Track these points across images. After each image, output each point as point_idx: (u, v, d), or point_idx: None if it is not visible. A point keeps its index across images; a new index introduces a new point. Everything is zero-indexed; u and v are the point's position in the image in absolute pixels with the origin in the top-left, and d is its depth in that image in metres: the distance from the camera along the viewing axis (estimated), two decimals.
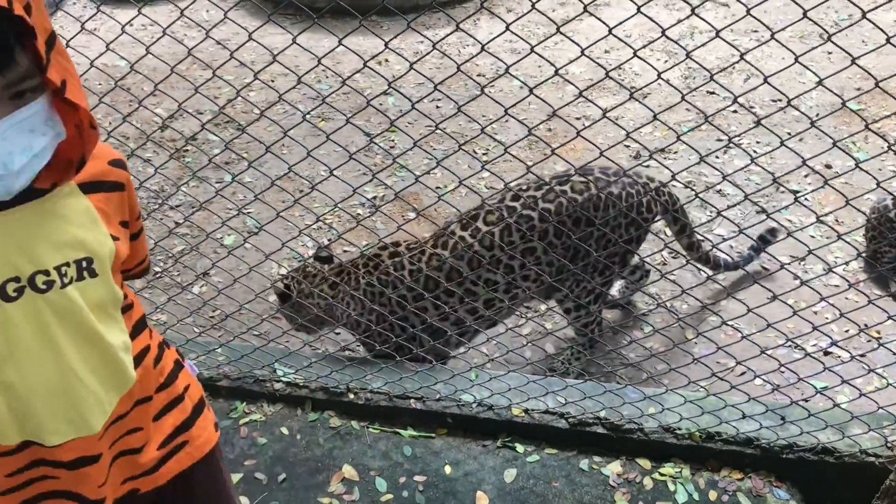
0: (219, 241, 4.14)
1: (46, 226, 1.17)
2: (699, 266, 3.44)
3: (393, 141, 5.07)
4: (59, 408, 1.22)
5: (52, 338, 1.18)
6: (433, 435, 2.76)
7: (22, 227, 1.14)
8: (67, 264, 1.18)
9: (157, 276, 3.83)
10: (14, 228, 1.14)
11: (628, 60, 2.10)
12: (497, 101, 2.33)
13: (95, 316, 1.22)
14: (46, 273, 1.16)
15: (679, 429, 2.60)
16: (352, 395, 2.83)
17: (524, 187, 2.93)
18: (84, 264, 1.20)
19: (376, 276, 2.94)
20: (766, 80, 1.85)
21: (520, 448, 2.68)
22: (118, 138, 5.03)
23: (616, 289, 3.51)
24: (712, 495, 2.49)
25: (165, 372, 1.47)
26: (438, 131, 4.83)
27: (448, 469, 2.63)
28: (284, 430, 2.79)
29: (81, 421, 1.25)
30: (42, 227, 1.16)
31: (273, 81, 5.51)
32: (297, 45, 2.16)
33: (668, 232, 3.41)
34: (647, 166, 4.37)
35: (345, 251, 4.07)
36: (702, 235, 3.52)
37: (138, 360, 1.36)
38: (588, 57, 1.95)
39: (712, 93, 5.39)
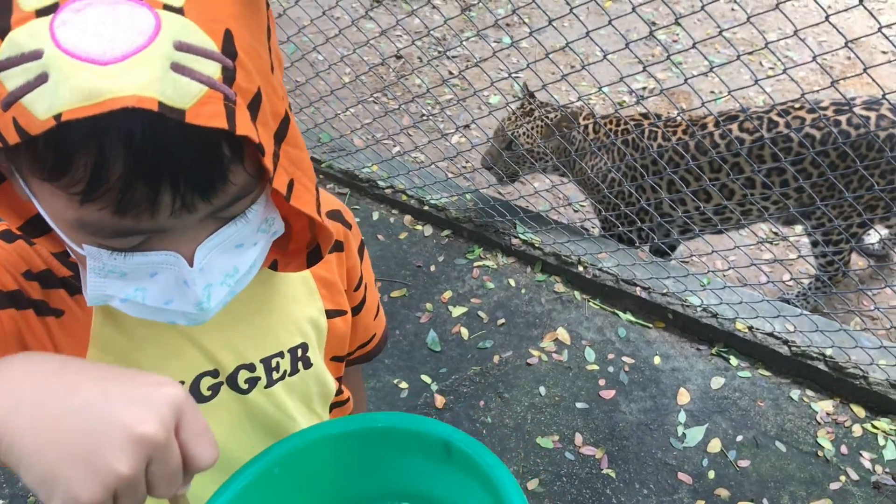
0: (485, 98, 4.30)
1: (257, 304, 0.88)
2: None
3: (677, 35, 4.91)
4: None
5: (242, 444, 0.89)
6: (650, 325, 2.83)
7: (228, 308, 0.78)
8: (280, 355, 0.90)
9: (424, 118, 4.09)
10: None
11: None
12: (787, 18, 2.20)
13: (297, 413, 0.95)
14: (251, 368, 0.88)
15: None
16: (581, 268, 2.94)
17: (797, 105, 2.68)
18: (299, 353, 0.92)
19: (632, 138, 2.88)
20: None
21: (734, 361, 2.69)
22: None
23: (875, 238, 3.30)
24: None
25: None
26: (728, 34, 4.63)
27: (657, 360, 2.71)
28: (512, 282, 2.98)
29: None
30: (252, 308, 0.87)
31: None
32: None
33: None
34: None
35: None
36: None
37: None
38: None
39: None
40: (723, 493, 2.33)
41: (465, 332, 2.80)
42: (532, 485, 2.36)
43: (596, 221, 3.42)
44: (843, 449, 2.43)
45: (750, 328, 2.70)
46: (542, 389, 2.62)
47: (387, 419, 0.83)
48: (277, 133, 0.66)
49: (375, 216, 3.32)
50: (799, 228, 3.08)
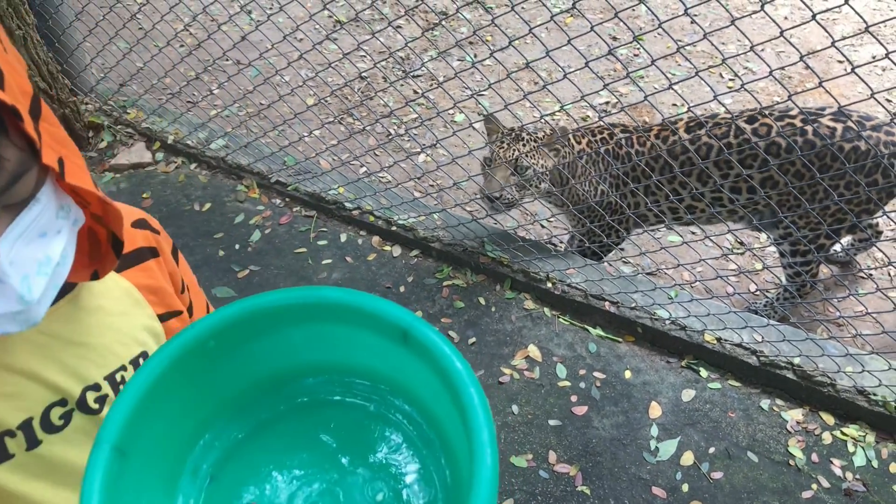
0: (450, 117, 4.31)
1: (87, 325, 0.88)
2: None
3: (639, 50, 4.98)
4: None
5: None
6: (620, 340, 2.84)
7: (58, 335, 0.85)
8: (123, 368, 0.90)
9: (389, 138, 4.09)
10: (48, 339, 0.84)
11: None
12: (744, 34, 2.24)
13: None
14: (97, 388, 0.87)
15: (874, 394, 2.52)
16: (549, 284, 2.95)
17: (766, 112, 2.73)
18: (141, 361, 0.92)
19: (611, 147, 2.90)
20: None
21: (703, 373, 2.71)
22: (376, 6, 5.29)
23: (839, 247, 3.35)
24: (893, 468, 2.42)
25: None
26: (689, 47, 4.69)
27: (628, 374, 2.72)
28: (482, 300, 2.98)
29: None
30: (83, 329, 0.87)
31: None
32: None
33: None
34: None
35: None
36: None
37: None
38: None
39: None
40: None
41: None
42: None
43: (563, 238, 3.44)
44: (814, 457, 2.45)
45: (718, 339, 2.72)
46: (515, 408, 2.61)
47: (343, 296, 0.80)
48: (32, 110, 0.68)
49: (343, 238, 3.31)
50: (764, 238, 3.12)
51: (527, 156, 2.79)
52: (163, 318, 0.98)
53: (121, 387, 0.88)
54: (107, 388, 0.88)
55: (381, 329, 0.80)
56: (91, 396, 0.86)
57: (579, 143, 2.91)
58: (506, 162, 2.79)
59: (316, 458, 0.85)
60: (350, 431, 0.87)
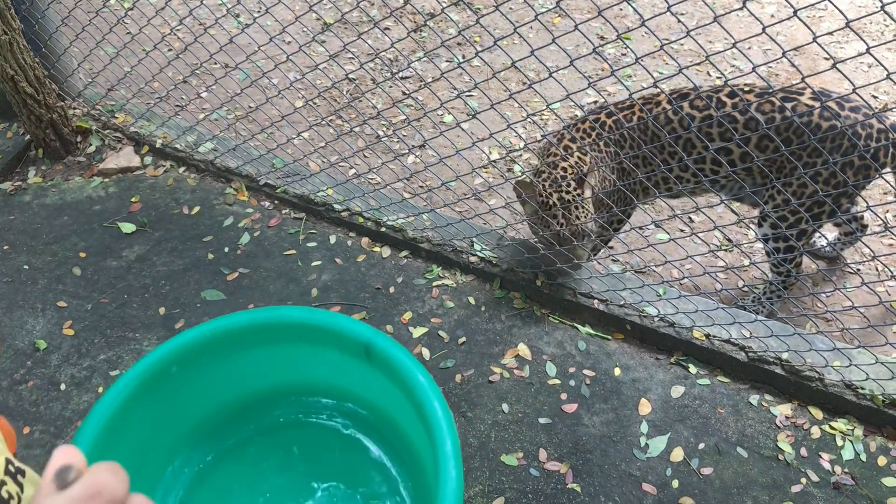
0: (439, 118, 4.32)
1: None
2: None
3: (627, 48, 4.99)
4: None
5: None
6: (609, 337, 2.85)
7: None
8: (3, 482, 0.80)
9: (378, 139, 4.09)
10: None
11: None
12: (727, 32, 2.25)
13: None
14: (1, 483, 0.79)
15: (862, 388, 2.54)
16: (538, 283, 2.96)
17: (746, 88, 2.78)
18: (12, 468, 0.83)
19: (615, 138, 2.91)
20: None
21: (693, 369, 2.72)
22: (362, 7, 5.29)
23: (825, 241, 3.37)
24: (881, 461, 2.44)
25: None
26: (676, 45, 4.71)
27: (617, 371, 2.73)
28: (471, 300, 2.98)
29: None
30: None
31: None
32: None
33: None
34: None
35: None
36: None
37: None
38: None
39: None
40: (687, 502, 2.34)
41: (426, 352, 2.80)
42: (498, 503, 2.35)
43: None
44: (803, 451, 2.46)
45: (707, 336, 2.73)
46: (505, 406, 2.62)
47: (304, 314, 0.80)
48: None
49: (332, 240, 3.31)
50: (752, 235, 3.13)
51: (581, 209, 2.76)
52: None
53: (19, 477, 0.79)
54: (9, 483, 0.79)
55: (343, 346, 0.80)
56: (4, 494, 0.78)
57: (585, 153, 2.90)
58: (577, 228, 2.75)
59: (286, 482, 0.85)
60: (318, 451, 0.87)
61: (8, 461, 0.80)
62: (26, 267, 3.25)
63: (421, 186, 3.86)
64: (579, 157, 2.87)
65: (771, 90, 2.73)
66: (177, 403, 0.80)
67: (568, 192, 2.75)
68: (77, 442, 0.70)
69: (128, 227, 3.40)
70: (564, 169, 2.82)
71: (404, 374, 0.77)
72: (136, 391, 0.74)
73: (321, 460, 0.86)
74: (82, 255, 3.28)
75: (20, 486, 0.79)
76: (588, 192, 2.77)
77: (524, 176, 2.95)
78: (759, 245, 3.37)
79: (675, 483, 2.39)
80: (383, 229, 3.26)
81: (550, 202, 2.76)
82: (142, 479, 0.78)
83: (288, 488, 0.84)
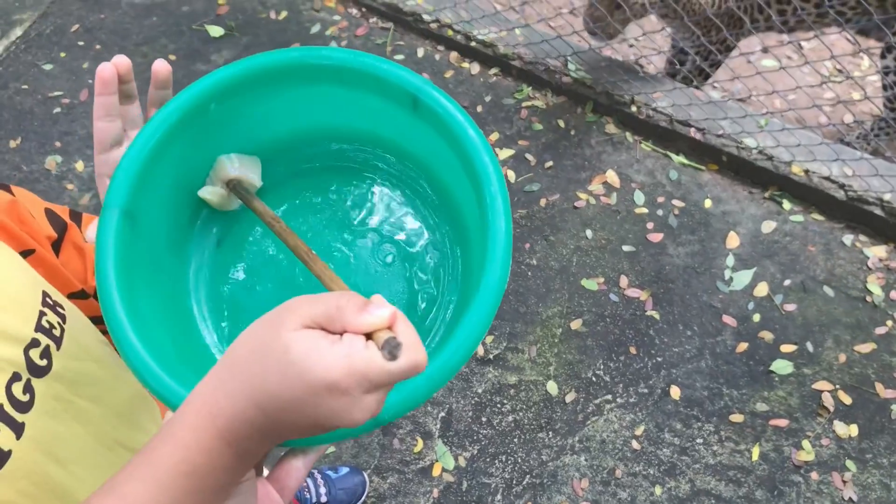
0: None
1: None
2: None
3: None
4: None
5: (89, 418, 0.77)
6: (703, 168, 2.77)
7: None
8: (42, 313, 0.74)
9: None
10: None
11: None
12: None
13: (99, 348, 0.83)
14: (36, 343, 0.72)
15: None
16: (634, 108, 2.85)
17: None
18: (50, 300, 0.77)
19: None
20: None
21: (787, 205, 2.64)
22: None
23: None
24: None
25: None
26: None
27: (708, 203, 2.67)
28: (561, 123, 2.91)
29: None
30: None
31: None
32: None
33: None
34: None
35: None
36: None
37: None
38: None
39: None
40: (766, 335, 2.35)
41: (511, 174, 2.77)
42: (575, 325, 2.40)
43: (652, 59, 3.27)
44: (893, 294, 2.41)
45: (806, 171, 2.62)
46: (589, 232, 2.61)
47: (348, 57, 0.75)
48: None
49: (420, 53, 3.22)
50: (867, 65, 2.90)
51: None
52: (23, 254, 0.80)
53: (54, 330, 0.74)
54: (43, 339, 0.73)
55: (389, 94, 0.75)
56: (34, 354, 0.71)
57: None
58: None
59: (325, 221, 0.84)
60: (357, 197, 0.85)
61: (45, 293, 0.76)
62: None
63: None
64: None
65: None
66: (214, 143, 0.79)
67: None
68: (118, 176, 0.69)
69: (216, 31, 3.36)
70: None
71: (454, 128, 0.72)
72: (174, 126, 0.72)
73: (360, 205, 0.84)
74: (172, 57, 3.28)
75: (62, 317, 0.77)
76: None
77: None
78: (873, 78, 3.15)
79: (757, 317, 2.40)
80: (473, 44, 3.14)
81: None
82: (180, 217, 0.79)
83: (327, 227, 0.83)
